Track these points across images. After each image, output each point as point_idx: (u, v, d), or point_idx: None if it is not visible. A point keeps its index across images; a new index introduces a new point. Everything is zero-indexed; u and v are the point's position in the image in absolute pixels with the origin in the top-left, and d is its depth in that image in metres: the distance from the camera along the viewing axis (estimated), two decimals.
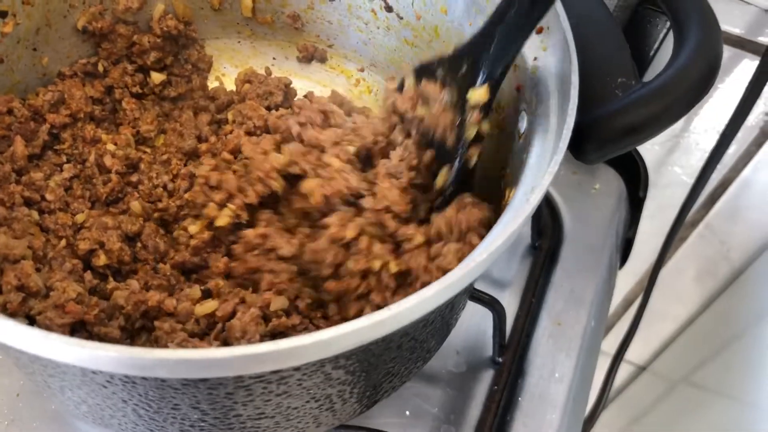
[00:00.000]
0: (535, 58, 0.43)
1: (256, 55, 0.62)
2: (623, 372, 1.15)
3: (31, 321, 0.42)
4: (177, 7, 0.57)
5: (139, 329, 0.45)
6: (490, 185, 0.51)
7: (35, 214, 0.48)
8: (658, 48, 0.74)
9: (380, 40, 0.58)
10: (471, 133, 0.43)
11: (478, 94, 0.43)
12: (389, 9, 0.55)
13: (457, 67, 0.44)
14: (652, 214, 0.82)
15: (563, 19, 0.42)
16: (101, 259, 0.47)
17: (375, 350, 0.37)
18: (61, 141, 0.52)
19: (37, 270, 0.44)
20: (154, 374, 0.29)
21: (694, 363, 1.05)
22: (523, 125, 0.44)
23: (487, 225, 0.46)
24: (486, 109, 0.43)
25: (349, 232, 0.44)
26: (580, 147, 0.42)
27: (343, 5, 0.57)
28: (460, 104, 0.44)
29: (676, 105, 0.40)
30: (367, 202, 0.45)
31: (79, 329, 0.43)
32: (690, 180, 0.71)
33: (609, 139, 0.41)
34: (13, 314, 0.41)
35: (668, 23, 0.73)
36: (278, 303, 0.44)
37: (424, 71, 0.45)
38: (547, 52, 0.43)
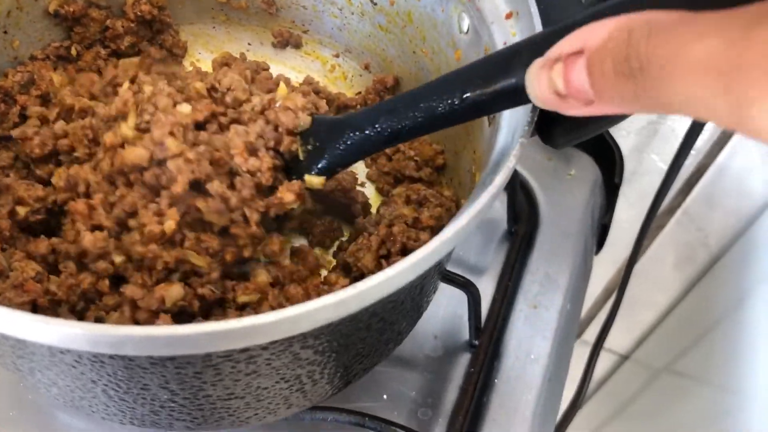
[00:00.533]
0: (505, 43, 0.43)
1: (231, 41, 0.61)
2: (606, 362, 1.17)
3: None
4: None
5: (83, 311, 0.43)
6: (464, 171, 0.52)
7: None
8: None
9: (355, 25, 0.58)
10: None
11: (316, 182, 0.44)
12: None
13: (306, 140, 0.45)
14: (631, 202, 0.83)
15: (532, 5, 0.42)
16: (21, 212, 0.45)
17: (343, 330, 0.37)
18: None
19: (3, 250, 0.44)
20: (121, 351, 0.29)
21: (676, 351, 1.06)
22: None
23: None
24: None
25: (168, 225, 0.41)
26: (549, 131, 0.42)
27: None
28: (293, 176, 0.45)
29: None
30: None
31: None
32: (667, 167, 0.72)
33: (577, 123, 0.42)
34: None
35: None
36: (173, 294, 0.41)
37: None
38: (516, 37, 0.43)
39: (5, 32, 0.51)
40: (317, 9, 0.58)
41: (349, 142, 0.42)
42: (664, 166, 0.83)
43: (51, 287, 0.42)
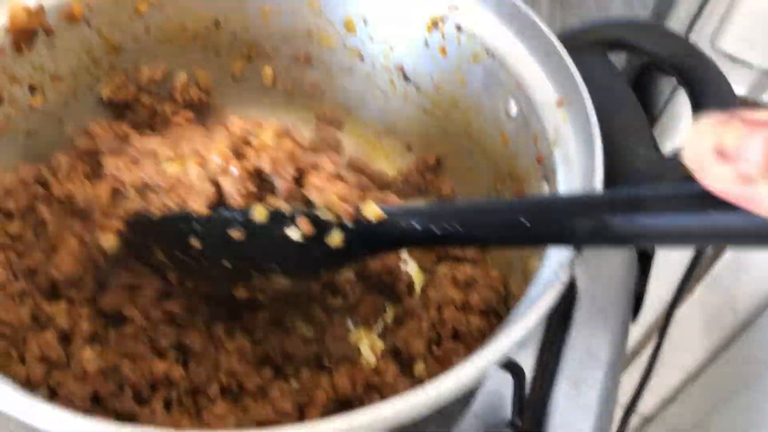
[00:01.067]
0: (555, 130, 0.44)
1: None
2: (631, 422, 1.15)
3: (53, 391, 0.42)
4: (199, 77, 0.58)
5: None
6: (512, 252, 0.52)
7: None
8: (664, 107, 0.76)
9: (398, 108, 0.59)
10: None
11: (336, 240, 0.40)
12: (407, 79, 0.57)
13: None
14: (656, 265, 0.83)
15: (583, 90, 0.43)
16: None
17: (408, 428, 0.37)
18: None
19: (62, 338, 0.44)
20: None
21: (702, 413, 1.04)
22: None
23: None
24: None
25: None
26: None
27: (362, 74, 0.59)
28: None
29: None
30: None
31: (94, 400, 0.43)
32: None
33: None
34: (36, 386, 0.41)
35: (674, 85, 0.75)
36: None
37: None
38: (568, 123, 0.44)
39: (60, 120, 0.53)
40: (360, 92, 0.60)
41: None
42: None
43: (124, 370, 0.42)
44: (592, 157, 0.41)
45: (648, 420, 1.15)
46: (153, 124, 0.57)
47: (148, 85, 0.56)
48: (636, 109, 0.45)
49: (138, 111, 0.56)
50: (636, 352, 1.06)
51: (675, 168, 0.42)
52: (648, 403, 1.13)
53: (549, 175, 0.44)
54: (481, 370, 0.32)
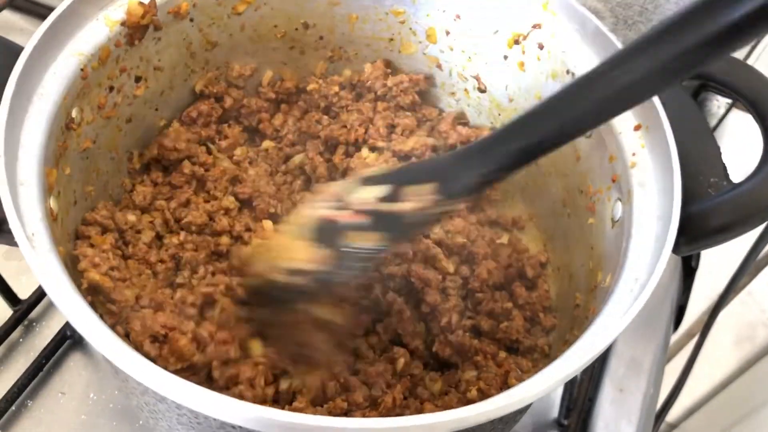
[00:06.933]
0: (633, 154, 0.47)
1: None
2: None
3: None
4: (284, 74, 0.61)
5: None
6: (574, 260, 0.54)
7: None
8: (716, 126, 0.78)
9: (469, 116, 0.61)
10: None
11: None
12: (482, 90, 0.59)
13: None
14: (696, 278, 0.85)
15: (663, 119, 0.45)
16: None
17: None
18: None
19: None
20: None
21: (726, 425, 1.06)
22: (617, 213, 0.47)
23: None
24: None
25: None
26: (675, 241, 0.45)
27: (437, 82, 0.61)
28: None
29: (766, 208, 0.43)
30: None
31: None
32: (732, 249, 0.74)
33: (701, 235, 0.44)
34: None
35: (727, 105, 0.77)
36: None
37: None
38: (645, 149, 0.46)
39: (156, 109, 0.56)
40: (434, 97, 0.62)
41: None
42: (730, 248, 0.85)
43: (214, 375, 0.44)
44: (670, 182, 0.43)
45: (672, 427, 1.18)
46: (238, 116, 0.60)
47: (237, 80, 0.59)
48: (710, 138, 0.47)
49: (226, 103, 0.59)
50: (667, 360, 1.08)
51: (744, 196, 0.44)
52: (673, 411, 1.15)
53: (624, 195, 0.47)
54: (562, 381, 0.35)
